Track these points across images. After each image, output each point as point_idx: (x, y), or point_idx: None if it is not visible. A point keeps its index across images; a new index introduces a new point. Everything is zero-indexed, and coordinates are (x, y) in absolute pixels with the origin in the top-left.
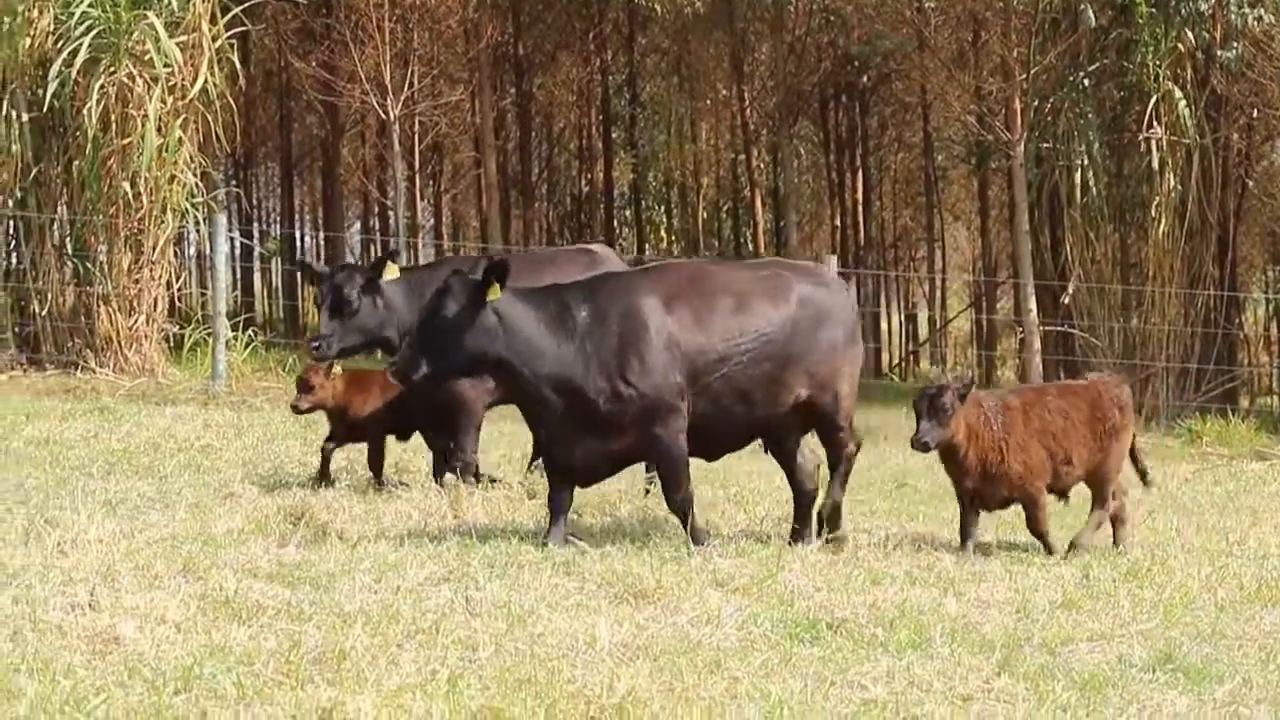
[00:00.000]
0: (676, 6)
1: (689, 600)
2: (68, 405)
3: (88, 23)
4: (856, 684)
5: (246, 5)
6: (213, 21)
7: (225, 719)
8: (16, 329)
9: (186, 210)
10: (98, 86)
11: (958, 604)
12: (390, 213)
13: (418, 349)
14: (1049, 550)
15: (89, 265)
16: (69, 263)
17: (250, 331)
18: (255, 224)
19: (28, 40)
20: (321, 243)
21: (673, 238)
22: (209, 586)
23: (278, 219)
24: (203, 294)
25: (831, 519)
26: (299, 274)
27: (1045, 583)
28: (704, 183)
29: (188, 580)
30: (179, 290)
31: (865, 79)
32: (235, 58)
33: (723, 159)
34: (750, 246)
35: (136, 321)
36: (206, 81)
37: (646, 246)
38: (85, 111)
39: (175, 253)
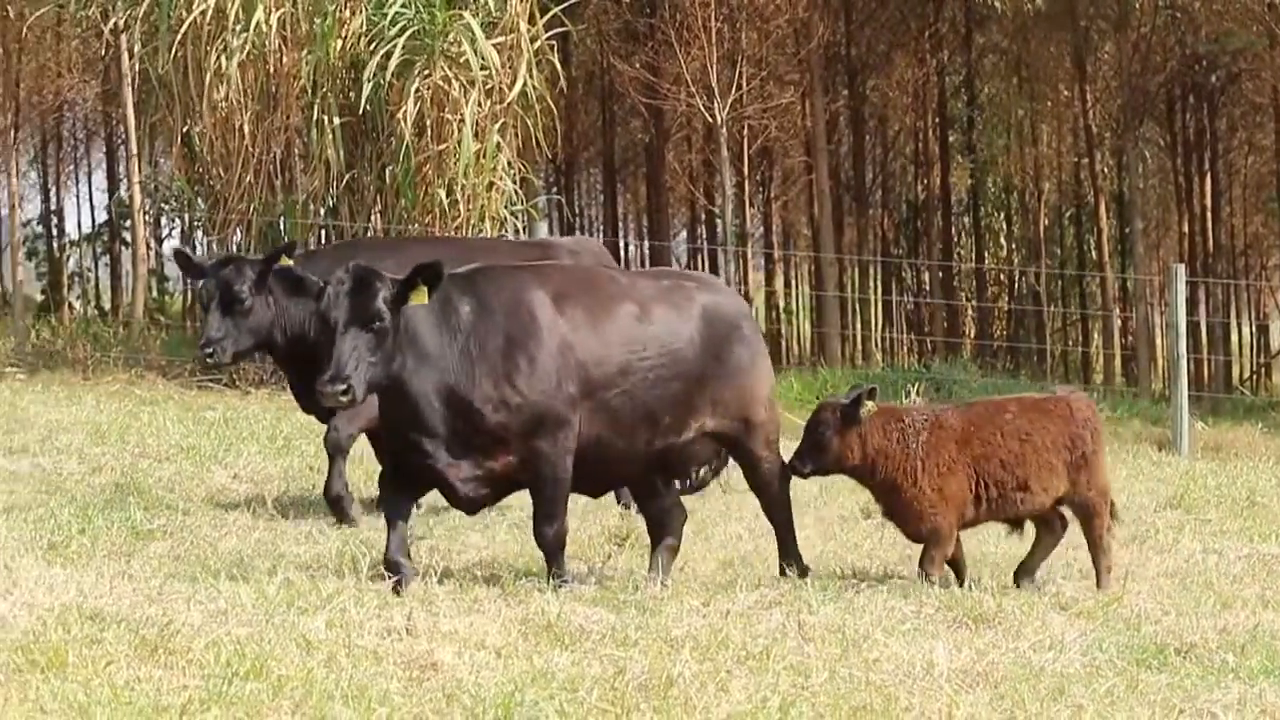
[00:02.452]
0: (1016, 4)
1: (1030, 625)
2: None
3: (401, 24)
4: (1206, 712)
5: (566, 5)
6: (531, 22)
7: None
8: None
9: (506, 218)
10: (412, 90)
11: None
12: (718, 220)
13: (358, 363)
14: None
15: None
16: None
17: None
18: (577, 232)
19: (338, 42)
20: (646, 252)
21: (1012, 245)
22: (530, 610)
23: (601, 227)
24: None
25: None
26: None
27: None
28: (1045, 188)
29: (508, 604)
30: None
31: (1214, 79)
32: (555, 59)
33: (1064, 163)
34: (1094, 254)
35: None
36: (525, 84)
37: (986, 255)
38: (399, 116)
39: None
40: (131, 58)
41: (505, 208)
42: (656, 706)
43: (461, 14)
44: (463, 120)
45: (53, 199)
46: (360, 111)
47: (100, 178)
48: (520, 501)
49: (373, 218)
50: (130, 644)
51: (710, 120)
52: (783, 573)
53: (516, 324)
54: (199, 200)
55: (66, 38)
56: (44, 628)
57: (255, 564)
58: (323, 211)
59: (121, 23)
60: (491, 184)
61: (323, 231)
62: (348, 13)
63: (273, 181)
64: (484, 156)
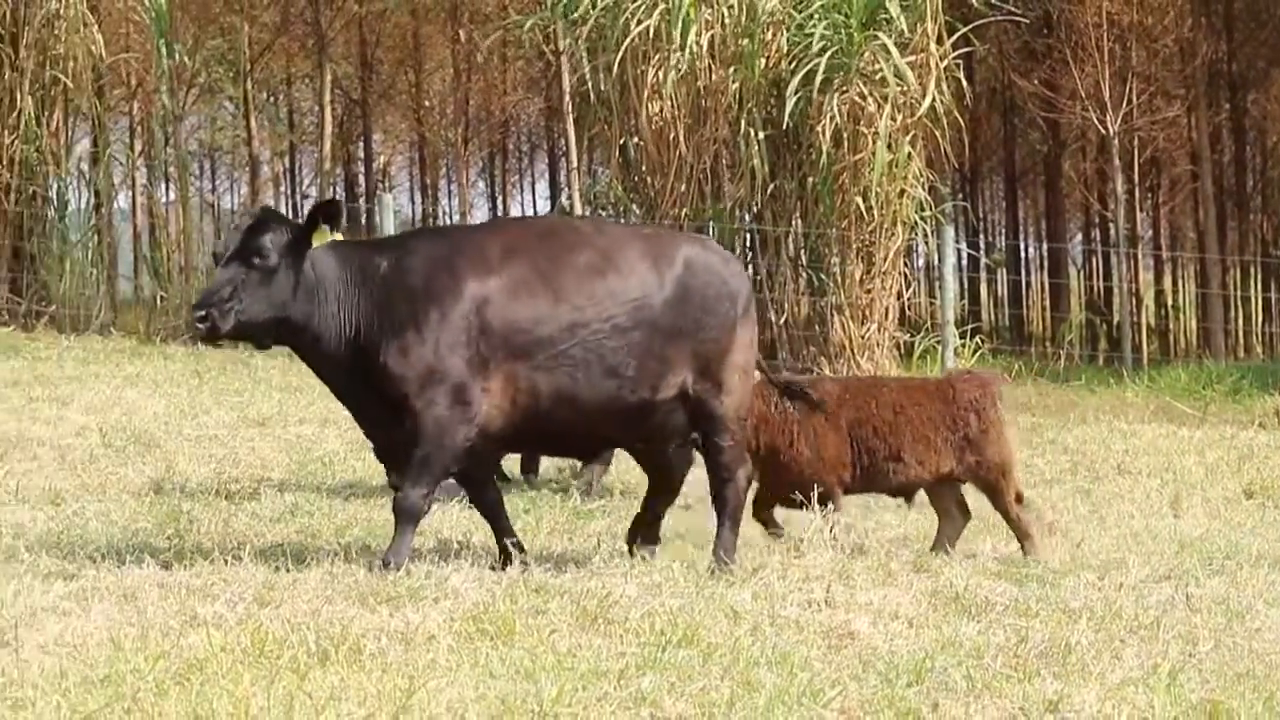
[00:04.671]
0: None
1: None
2: None
3: (821, 44)
4: None
5: (973, 26)
6: (939, 41)
7: (956, 710)
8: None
9: (915, 223)
10: (831, 105)
11: None
12: (1110, 224)
13: (229, 296)
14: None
15: (823, 276)
16: (804, 274)
17: (977, 339)
18: (980, 236)
19: (762, 61)
20: (1044, 254)
21: None
22: (940, 583)
23: (1002, 231)
24: (931, 303)
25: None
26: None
27: None
28: None
29: (919, 577)
30: (908, 300)
31: None
32: (961, 76)
33: None
34: None
35: (869, 330)
36: (934, 99)
37: None
38: (818, 129)
39: (904, 264)
40: (572, 76)
41: (915, 213)
42: (1056, 672)
43: (877, 35)
44: (877, 133)
45: (499, 207)
46: (783, 125)
47: (543, 187)
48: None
49: (793, 222)
50: (572, 614)
51: (1103, 132)
52: (715, 560)
53: (433, 281)
54: (634, 207)
55: (511, 59)
56: (493, 599)
57: (686, 541)
58: (747, 217)
59: (563, 45)
60: (903, 191)
61: (748, 235)
62: (770, 34)
63: (702, 189)
64: (896, 166)
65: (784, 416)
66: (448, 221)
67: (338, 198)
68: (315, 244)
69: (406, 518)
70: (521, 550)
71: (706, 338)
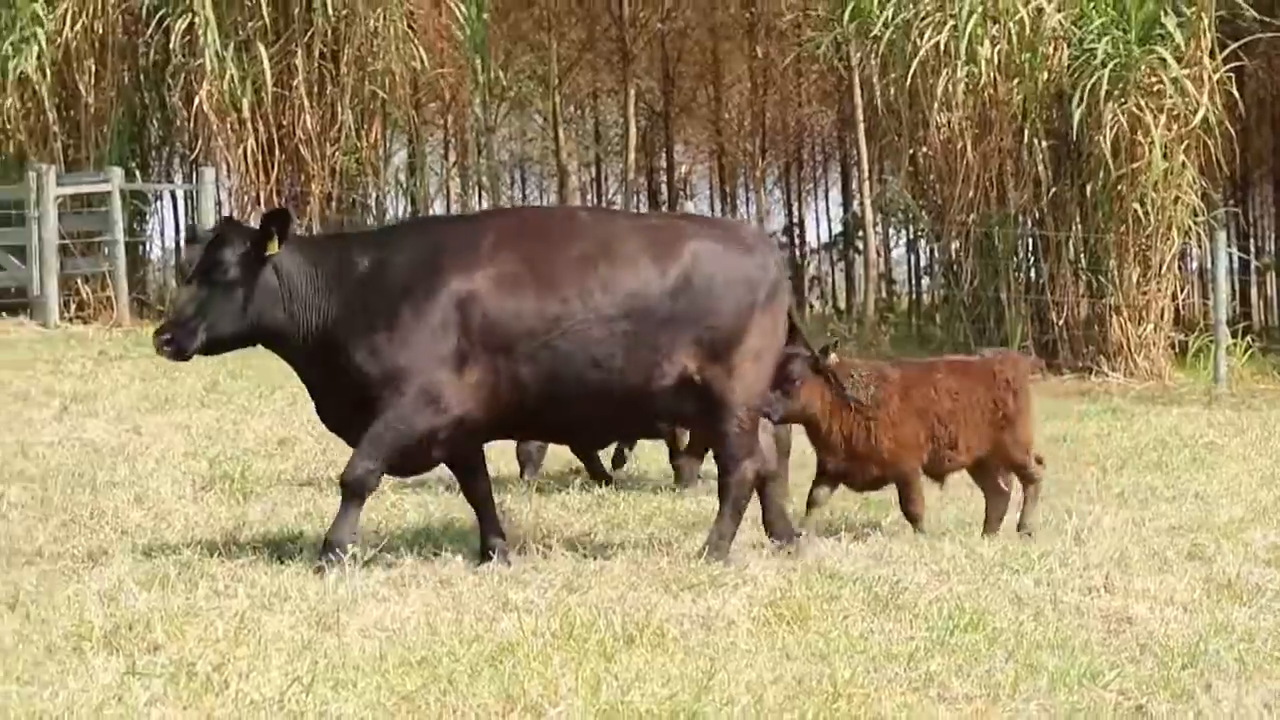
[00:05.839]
0: None
1: None
2: (1083, 406)
3: (1102, 58)
4: None
5: (1243, 42)
6: (1211, 56)
7: (1228, 691)
8: (1036, 337)
9: (1189, 228)
10: (1111, 116)
11: None
12: None
13: (193, 315)
14: (918, 531)
15: (1101, 279)
16: (1083, 276)
17: (1249, 339)
18: (1251, 240)
19: (1045, 74)
20: None
21: None
22: (1213, 570)
23: (1272, 236)
24: (1204, 304)
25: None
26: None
27: None
28: None
29: (1194, 565)
30: (1183, 301)
31: None
32: (1233, 88)
33: None
34: None
35: (1145, 330)
36: (1207, 111)
37: None
38: (1098, 139)
39: (1179, 267)
40: (864, 89)
41: (1189, 218)
42: None
43: (1154, 49)
44: (1153, 142)
45: (794, 213)
46: (1065, 135)
47: (836, 194)
48: (1211, 474)
49: (1074, 227)
50: (864, 600)
51: None
52: (706, 545)
53: (412, 276)
54: (922, 213)
55: (806, 74)
56: (789, 585)
57: (972, 528)
58: (1029, 222)
59: (856, 60)
60: (1178, 198)
61: (1030, 240)
62: (1052, 49)
63: (988, 195)
64: (1171, 174)
65: (859, 403)
66: None
67: (287, 208)
68: (269, 254)
69: (355, 490)
70: (505, 555)
71: (717, 324)
